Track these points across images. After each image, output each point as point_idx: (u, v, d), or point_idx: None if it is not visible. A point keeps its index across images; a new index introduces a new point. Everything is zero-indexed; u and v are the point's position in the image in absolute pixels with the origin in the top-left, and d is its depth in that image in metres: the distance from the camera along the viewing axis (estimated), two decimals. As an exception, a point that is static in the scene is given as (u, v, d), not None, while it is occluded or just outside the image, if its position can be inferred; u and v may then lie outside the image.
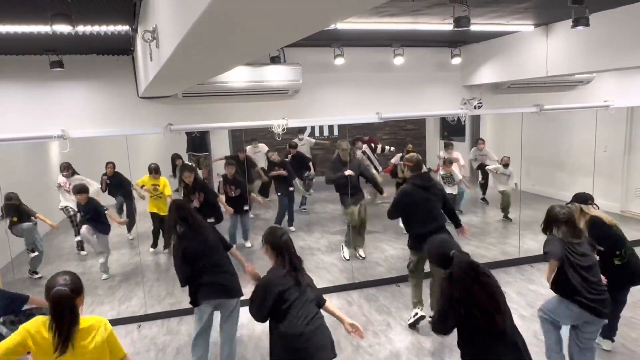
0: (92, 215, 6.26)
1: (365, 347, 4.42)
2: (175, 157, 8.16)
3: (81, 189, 6.25)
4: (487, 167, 8.32)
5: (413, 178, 4.72)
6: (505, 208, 8.03)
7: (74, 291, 2.35)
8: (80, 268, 6.64)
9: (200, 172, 8.04)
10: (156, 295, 5.74)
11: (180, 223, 3.83)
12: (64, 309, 2.29)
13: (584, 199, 4.03)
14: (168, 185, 7.17)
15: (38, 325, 2.33)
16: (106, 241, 6.45)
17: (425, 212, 4.57)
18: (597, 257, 3.66)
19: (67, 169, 6.92)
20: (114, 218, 6.60)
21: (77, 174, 7.06)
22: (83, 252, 7.17)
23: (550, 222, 3.63)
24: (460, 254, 2.76)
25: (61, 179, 6.96)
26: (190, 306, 3.95)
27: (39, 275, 6.36)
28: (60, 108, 4.86)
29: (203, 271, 3.77)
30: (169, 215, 3.97)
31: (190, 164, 7.92)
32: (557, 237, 3.55)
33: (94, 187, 7.00)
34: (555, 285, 3.55)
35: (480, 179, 8.88)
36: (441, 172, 7.82)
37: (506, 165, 7.87)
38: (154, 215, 7.07)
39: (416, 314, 4.73)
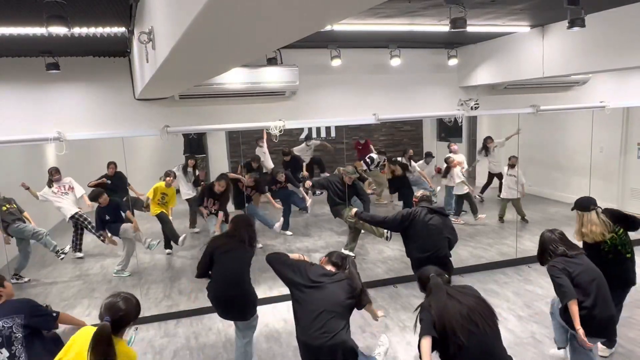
0: (114, 217, 6.26)
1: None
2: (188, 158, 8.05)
3: (99, 193, 6.30)
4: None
5: (424, 201, 4.68)
6: (519, 213, 7.77)
7: (118, 323, 2.38)
8: (77, 271, 6.61)
9: (197, 174, 8.03)
10: (153, 298, 5.72)
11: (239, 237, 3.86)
12: (102, 345, 2.26)
13: (585, 205, 3.85)
14: (175, 196, 7.13)
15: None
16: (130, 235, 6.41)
17: (427, 236, 4.45)
18: None
19: (58, 173, 6.65)
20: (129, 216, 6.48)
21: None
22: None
23: (546, 247, 3.46)
24: (437, 276, 2.85)
25: (53, 189, 6.62)
26: (186, 309, 3.97)
27: (25, 280, 5.97)
28: (57, 110, 4.84)
29: (214, 279, 3.84)
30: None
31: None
32: (558, 266, 3.31)
33: (80, 192, 6.78)
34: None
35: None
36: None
37: (512, 166, 7.62)
38: (161, 217, 6.96)
39: None
